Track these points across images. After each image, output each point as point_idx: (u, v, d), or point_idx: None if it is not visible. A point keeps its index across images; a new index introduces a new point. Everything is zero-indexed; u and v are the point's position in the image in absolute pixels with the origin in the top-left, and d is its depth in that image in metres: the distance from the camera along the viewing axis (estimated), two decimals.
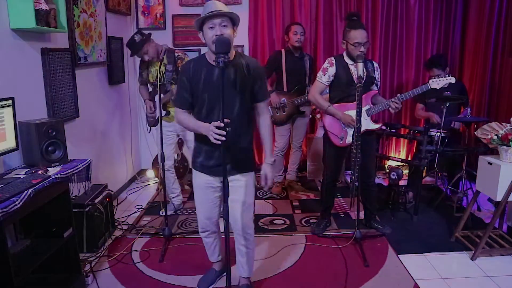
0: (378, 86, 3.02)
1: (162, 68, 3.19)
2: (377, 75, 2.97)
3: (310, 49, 4.53)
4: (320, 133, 4.46)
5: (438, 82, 2.84)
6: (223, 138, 1.79)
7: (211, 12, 1.87)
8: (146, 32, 3.33)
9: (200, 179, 2.18)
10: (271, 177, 2.13)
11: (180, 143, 4.01)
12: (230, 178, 2.08)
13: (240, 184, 2.13)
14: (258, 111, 2.16)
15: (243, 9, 4.36)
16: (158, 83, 2.91)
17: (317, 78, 2.96)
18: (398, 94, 2.85)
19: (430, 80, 2.86)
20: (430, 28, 4.53)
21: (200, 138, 2.08)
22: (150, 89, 3.49)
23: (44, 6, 2.41)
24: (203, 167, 2.15)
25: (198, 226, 2.35)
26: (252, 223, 2.26)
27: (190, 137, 3.33)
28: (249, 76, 2.03)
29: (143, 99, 3.55)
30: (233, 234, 2.24)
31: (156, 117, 3.41)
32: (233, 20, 1.95)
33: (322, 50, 4.51)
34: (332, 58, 2.93)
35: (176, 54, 3.20)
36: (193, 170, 2.22)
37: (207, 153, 2.10)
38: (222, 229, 2.20)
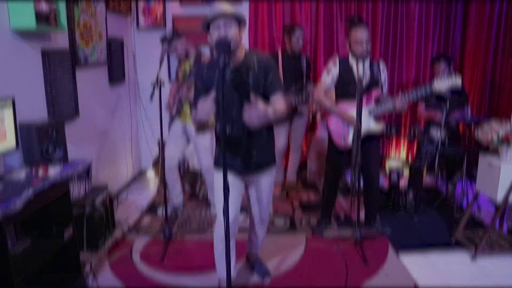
0: (385, 86, 3.00)
1: (187, 68, 3.27)
2: (383, 76, 2.96)
3: (310, 49, 4.53)
4: (320, 133, 4.46)
5: (443, 83, 2.68)
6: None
7: (215, 14, 1.89)
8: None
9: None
10: (258, 110, 1.83)
11: None
12: (253, 176, 2.22)
13: (263, 185, 2.26)
14: (271, 101, 2.03)
15: (243, 9, 4.36)
16: (158, 83, 2.90)
17: (321, 78, 2.99)
18: (400, 93, 2.83)
19: (435, 81, 2.70)
20: (430, 29, 4.53)
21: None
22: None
23: (44, 7, 2.41)
24: (228, 166, 2.09)
25: (215, 235, 2.22)
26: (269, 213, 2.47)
27: (199, 140, 3.33)
28: (260, 70, 2.02)
29: (170, 93, 3.54)
30: (251, 221, 2.46)
31: (174, 112, 3.47)
32: (239, 20, 1.95)
33: (322, 50, 4.51)
34: (336, 58, 2.96)
35: (202, 57, 3.25)
36: (216, 170, 2.20)
37: (231, 152, 2.12)
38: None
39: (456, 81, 2.66)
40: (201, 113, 2.04)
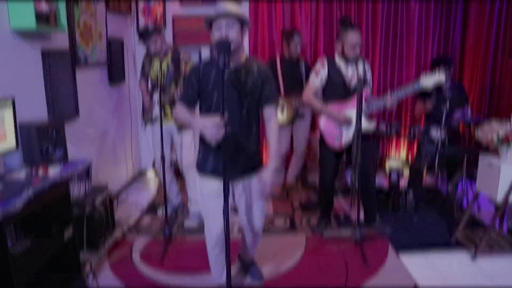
0: (370, 86, 3.02)
1: (164, 66, 3.16)
2: (368, 75, 2.98)
3: (310, 50, 4.52)
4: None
5: (428, 80, 2.81)
6: (220, 136, 1.77)
7: (218, 13, 1.87)
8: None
9: (211, 186, 2.07)
10: (270, 183, 2.05)
11: None
12: (241, 183, 2.13)
13: (252, 191, 2.16)
14: (265, 116, 2.10)
15: (243, 11, 4.35)
16: (158, 83, 2.89)
17: (309, 80, 2.99)
18: (389, 92, 2.86)
19: (421, 79, 2.83)
20: (430, 29, 4.53)
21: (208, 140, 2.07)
22: (150, 86, 3.42)
23: (44, 7, 2.41)
24: (215, 171, 2.06)
25: (207, 241, 2.20)
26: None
27: (182, 137, 3.29)
28: (259, 77, 2.02)
29: (141, 93, 3.52)
30: (243, 232, 2.35)
31: (153, 116, 3.40)
32: (242, 21, 1.94)
33: (322, 51, 4.50)
34: (324, 59, 2.96)
35: (181, 56, 3.19)
36: (201, 177, 2.12)
37: (218, 155, 2.03)
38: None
39: (440, 77, 2.80)
40: (181, 120, 2.08)
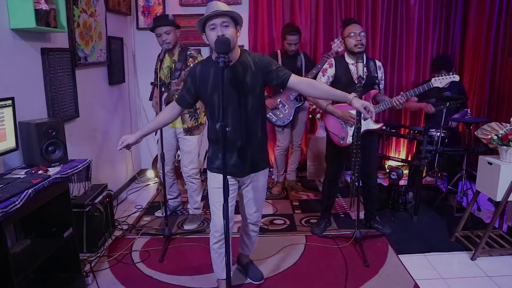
0: (382, 85, 3.01)
1: (172, 64, 3.09)
2: (380, 74, 2.96)
3: (310, 49, 4.52)
4: (319, 133, 4.46)
5: (441, 81, 2.81)
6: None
7: (212, 12, 1.86)
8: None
9: (219, 180, 2.06)
10: (368, 104, 2.04)
11: None
12: (248, 176, 2.19)
13: (258, 185, 2.25)
14: (295, 86, 2.05)
15: (243, 9, 4.36)
16: (158, 83, 2.87)
17: (316, 79, 2.98)
18: (402, 92, 2.86)
19: (433, 79, 2.83)
20: (430, 28, 4.53)
21: (216, 141, 2.08)
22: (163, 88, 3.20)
23: (44, 6, 2.41)
24: (222, 169, 2.06)
25: (211, 237, 2.21)
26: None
27: (184, 144, 3.22)
28: (258, 70, 2.00)
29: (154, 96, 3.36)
30: (244, 222, 2.41)
31: None
32: (236, 20, 1.94)
33: (322, 50, 4.50)
34: (332, 59, 2.95)
35: (188, 52, 3.08)
36: (210, 173, 2.18)
37: (226, 155, 2.07)
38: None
39: (454, 78, 2.79)
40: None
